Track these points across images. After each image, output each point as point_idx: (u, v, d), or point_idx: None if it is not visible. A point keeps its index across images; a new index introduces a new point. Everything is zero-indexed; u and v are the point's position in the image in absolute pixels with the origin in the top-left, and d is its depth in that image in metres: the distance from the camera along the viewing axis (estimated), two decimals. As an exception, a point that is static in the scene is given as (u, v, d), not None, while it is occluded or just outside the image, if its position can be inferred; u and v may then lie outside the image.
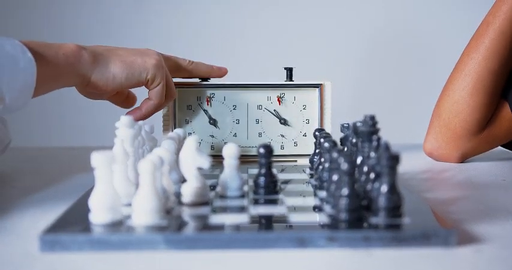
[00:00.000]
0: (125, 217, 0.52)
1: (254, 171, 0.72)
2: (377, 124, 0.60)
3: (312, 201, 0.62)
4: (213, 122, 0.91)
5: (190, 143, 0.59)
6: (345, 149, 0.68)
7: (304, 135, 0.92)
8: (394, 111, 1.70)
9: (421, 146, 0.97)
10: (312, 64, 1.56)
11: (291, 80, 0.92)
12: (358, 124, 0.61)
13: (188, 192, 0.59)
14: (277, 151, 0.90)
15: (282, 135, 0.92)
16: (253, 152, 0.91)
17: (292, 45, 1.70)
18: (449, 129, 0.92)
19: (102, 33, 1.70)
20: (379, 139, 0.58)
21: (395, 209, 0.51)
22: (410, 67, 1.72)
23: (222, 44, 1.70)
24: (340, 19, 1.71)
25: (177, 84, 0.89)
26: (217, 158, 0.78)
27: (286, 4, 1.70)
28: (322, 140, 0.67)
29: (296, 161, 0.91)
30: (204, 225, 0.52)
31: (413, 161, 0.94)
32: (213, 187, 0.67)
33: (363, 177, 0.57)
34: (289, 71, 0.92)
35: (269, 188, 0.63)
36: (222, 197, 0.62)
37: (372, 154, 0.57)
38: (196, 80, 0.92)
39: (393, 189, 0.51)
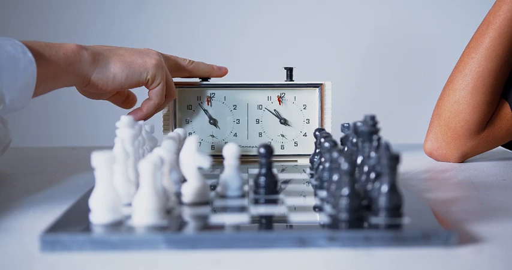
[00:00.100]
0: (125, 217, 0.52)
1: (254, 171, 0.72)
2: (377, 124, 0.60)
3: (312, 201, 0.62)
4: (213, 121, 0.91)
5: (190, 142, 0.59)
6: (345, 148, 0.68)
7: (305, 135, 0.92)
8: (394, 111, 1.70)
9: (422, 145, 0.97)
10: (312, 64, 1.56)
11: (291, 79, 0.92)
12: (359, 124, 0.61)
13: (188, 192, 0.59)
14: (277, 151, 0.90)
15: (282, 135, 0.92)
16: (254, 151, 0.91)
17: (292, 45, 1.70)
18: (449, 129, 0.92)
19: (102, 33, 1.70)
20: (379, 139, 0.58)
21: (395, 209, 0.51)
22: (411, 67, 1.72)
23: (222, 44, 1.70)
24: (340, 19, 1.70)
25: (178, 84, 0.89)
26: (217, 158, 0.79)
27: (286, 4, 1.70)
28: (322, 139, 0.67)
29: (296, 160, 0.91)
30: (205, 225, 0.52)
31: (414, 160, 0.94)
32: (213, 187, 0.67)
33: (363, 177, 0.57)
34: (290, 71, 0.92)
35: (269, 188, 0.63)
36: (222, 196, 0.62)
37: (372, 154, 0.57)
38: (197, 79, 0.92)
39: (393, 189, 0.51)
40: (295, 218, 0.54)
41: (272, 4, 1.71)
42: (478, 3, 1.51)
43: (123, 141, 0.61)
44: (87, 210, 0.53)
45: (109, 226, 0.50)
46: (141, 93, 0.88)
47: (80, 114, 1.70)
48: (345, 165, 0.51)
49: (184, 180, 0.61)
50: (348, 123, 0.73)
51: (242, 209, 0.57)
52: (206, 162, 0.59)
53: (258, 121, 0.92)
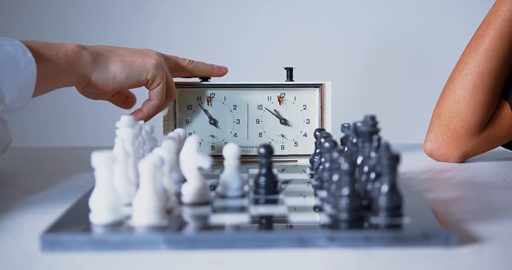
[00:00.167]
0: (125, 217, 0.52)
1: (254, 171, 0.72)
2: (377, 124, 0.60)
3: (312, 201, 0.62)
4: (214, 122, 0.91)
5: (190, 143, 0.59)
6: (346, 149, 0.68)
7: (305, 135, 0.92)
8: (394, 111, 1.70)
9: (422, 146, 0.97)
10: (312, 64, 1.57)
11: (291, 80, 0.92)
12: (359, 124, 0.61)
13: (188, 192, 0.59)
14: (277, 151, 0.90)
15: (283, 135, 0.92)
16: (254, 152, 0.91)
17: (292, 45, 1.70)
18: (449, 129, 0.92)
19: (102, 33, 1.70)
20: (379, 139, 0.58)
21: (395, 209, 0.51)
22: (411, 67, 1.72)
23: (223, 44, 1.70)
24: (340, 19, 1.71)
25: (178, 84, 0.89)
26: (217, 158, 0.79)
27: (286, 4, 1.70)
28: (322, 140, 0.67)
29: (296, 161, 0.91)
30: (205, 225, 0.52)
31: (414, 161, 0.94)
32: (213, 187, 0.67)
33: (364, 177, 0.57)
34: (290, 71, 0.92)
35: (269, 188, 0.63)
36: (223, 197, 0.62)
37: (373, 154, 0.57)
38: (197, 79, 0.92)
39: (394, 189, 0.51)
40: (295, 218, 0.54)
41: (272, 4, 1.71)
42: (478, 3, 1.51)
43: (123, 141, 0.61)
44: (87, 210, 0.53)
45: (109, 226, 0.50)
46: (141, 94, 0.88)
47: (80, 114, 1.70)
48: (345, 166, 0.51)
49: (184, 180, 0.61)
50: (348, 124, 0.73)
51: (242, 209, 0.57)
52: (206, 163, 0.59)
53: (258, 121, 0.92)
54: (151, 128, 0.77)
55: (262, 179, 0.63)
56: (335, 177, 0.55)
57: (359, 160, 0.59)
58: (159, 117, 0.90)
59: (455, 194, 0.72)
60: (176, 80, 0.89)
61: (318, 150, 0.77)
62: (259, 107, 0.92)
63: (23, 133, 1.63)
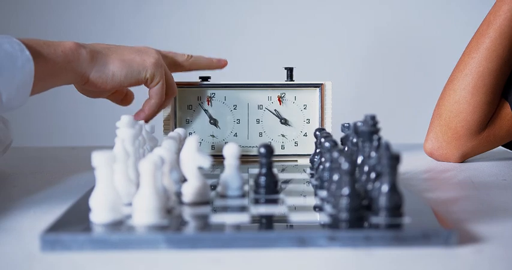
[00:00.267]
0: (125, 217, 0.52)
1: (255, 171, 0.72)
2: (377, 124, 0.60)
3: (312, 200, 0.62)
4: (214, 121, 0.91)
5: (191, 142, 0.59)
6: (346, 148, 0.68)
7: (305, 135, 0.92)
8: (394, 111, 1.70)
9: (422, 145, 0.97)
10: (313, 64, 1.56)
11: (291, 79, 0.92)
12: (359, 124, 0.61)
13: (189, 191, 0.59)
14: (277, 151, 0.90)
15: (283, 135, 0.92)
16: (254, 151, 0.91)
17: (292, 45, 1.69)
18: (449, 129, 0.92)
19: (102, 33, 1.70)
20: (379, 139, 0.58)
21: (395, 208, 0.51)
22: (411, 67, 1.72)
23: (223, 44, 1.70)
24: (340, 19, 1.70)
25: (178, 84, 0.89)
26: (217, 158, 0.79)
27: (286, 4, 1.70)
28: (322, 139, 0.67)
29: (297, 160, 0.91)
30: (205, 225, 0.52)
31: (414, 160, 0.94)
32: (213, 187, 0.67)
33: (364, 177, 0.57)
34: (290, 71, 0.92)
35: (270, 188, 0.63)
36: (223, 196, 0.62)
37: (373, 154, 0.57)
38: (197, 79, 0.92)
39: (394, 189, 0.51)
40: (295, 217, 0.54)
41: (272, 4, 1.71)
42: (478, 3, 1.50)
43: (124, 140, 0.61)
44: (88, 209, 0.53)
45: (109, 226, 0.50)
46: (140, 92, 0.88)
47: (80, 113, 1.70)
48: (345, 165, 0.51)
49: (184, 179, 0.61)
50: (348, 123, 0.73)
51: (242, 209, 0.57)
52: (206, 162, 0.59)
53: (258, 121, 0.92)
54: (152, 128, 0.77)
55: (262, 179, 0.63)
56: (335, 177, 0.55)
57: (359, 160, 0.59)
58: (159, 117, 0.90)
59: (455, 194, 0.72)
60: (176, 79, 0.89)
61: (318, 150, 0.77)
62: (260, 106, 0.92)
63: (23, 133, 1.62)
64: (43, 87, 0.72)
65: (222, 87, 0.91)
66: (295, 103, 0.91)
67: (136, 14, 1.71)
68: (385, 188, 0.51)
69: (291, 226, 0.52)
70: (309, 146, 0.91)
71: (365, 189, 0.55)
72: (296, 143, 0.92)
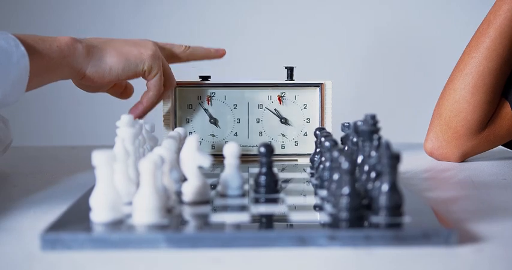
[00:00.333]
0: (125, 216, 0.52)
1: (255, 170, 0.72)
2: (378, 123, 0.60)
3: (312, 200, 0.62)
4: (214, 121, 0.91)
5: (191, 142, 0.59)
6: (346, 148, 0.68)
7: (305, 134, 0.92)
8: (394, 111, 1.70)
9: (422, 145, 0.97)
10: (313, 63, 1.56)
11: (291, 79, 0.92)
12: (359, 123, 0.61)
13: (189, 191, 0.59)
14: (277, 150, 0.90)
15: (283, 135, 0.92)
16: (254, 151, 0.91)
17: (292, 45, 1.69)
18: (450, 128, 0.92)
19: (102, 33, 1.69)
20: (379, 138, 0.58)
21: (396, 208, 0.51)
22: (411, 66, 1.72)
23: (223, 44, 1.69)
24: (340, 18, 1.70)
25: (178, 84, 0.89)
26: (218, 157, 0.79)
27: (286, 4, 1.70)
28: (322, 139, 0.67)
29: (297, 160, 0.91)
30: (205, 224, 0.52)
31: (414, 160, 0.94)
32: (213, 186, 0.67)
33: (364, 176, 0.57)
34: (290, 70, 0.92)
35: (270, 187, 0.63)
36: (223, 195, 0.62)
37: (373, 153, 0.57)
38: (197, 79, 0.92)
39: (394, 188, 0.51)
40: (295, 217, 0.54)
41: (272, 4, 1.71)
42: (478, 3, 1.50)
43: (124, 140, 0.61)
44: (88, 209, 0.53)
45: (109, 225, 0.50)
46: (140, 84, 0.87)
47: (80, 113, 1.70)
48: (345, 165, 0.51)
49: (184, 179, 0.61)
50: (348, 123, 0.73)
51: (242, 208, 0.57)
52: (206, 161, 0.59)
53: (258, 120, 0.92)
54: (152, 127, 0.77)
55: (262, 178, 0.63)
56: (335, 176, 0.55)
57: (359, 159, 0.59)
58: (159, 117, 0.90)
59: (455, 193, 0.72)
60: (177, 79, 0.89)
61: (318, 150, 0.77)
62: (260, 106, 0.92)
63: (23, 132, 1.62)
64: (39, 82, 0.71)
65: (222, 86, 0.91)
66: (295, 102, 0.91)
67: (137, 14, 1.71)
68: (385, 187, 0.51)
69: (291, 225, 0.52)
70: (309, 146, 0.91)
71: (365, 188, 0.55)
72: (296, 143, 0.92)
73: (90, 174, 0.66)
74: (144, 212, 0.50)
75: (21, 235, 0.52)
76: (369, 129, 0.59)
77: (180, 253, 0.47)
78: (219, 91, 0.91)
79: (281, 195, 0.62)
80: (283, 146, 0.92)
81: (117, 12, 1.71)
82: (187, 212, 0.55)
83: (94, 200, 0.51)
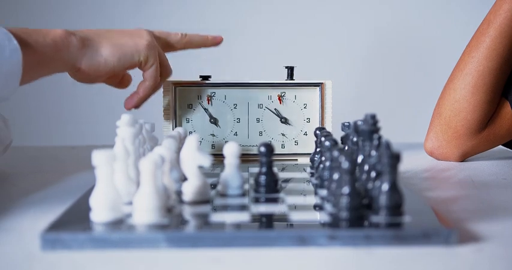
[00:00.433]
0: (125, 215, 0.52)
1: (255, 170, 0.72)
2: (378, 123, 0.60)
3: (312, 199, 0.62)
4: (214, 120, 0.91)
5: (191, 141, 0.59)
6: (346, 147, 0.68)
7: (305, 134, 0.92)
8: (394, 110, 1.70)
9: (422, 144, 0.97)
10: (313, 63, 1.56)
11: (291, 78, 0.92)
12: (359, 123, 0.61)
13: (189, 190, 0.59)
14: (277, 150, 0.90)
15: (283, 134, 0.92)
16: (254, 150, 0.91)
17: (292, 45, 1.69)
18: (450, 128, 0.92)
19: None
20: (380, 138, 0.58)
21: (396, 207, 0.51)
22: (411, 66, 1.72)
23: (223, 44, 1.70)
24: (341, 18, 1.70)
25: (178, 83, 0.90)
26: (218, 157, 0.79)
27: (286, 4, 1.70)
28: (323, 138, 0.67)
29: (297, 159, 0.91)
30: (205, 224, 0.52)
31: (414, 159, 0.94)
32: (213, 186, 0.67)
33: (364, 176, 0.57)
34: (290, 70, 0.92)
35: (270, 187, 0.63)
36: (223, 195, 0.62)
37: (373, 153, 0.57)
38: (197, 78, 0.92)
39: (394, 188, 0.51)
40: (295, 216, 0.54)
41: (272, 4, 1.70)
42: (478, 3, 1.50)
43: (124, 139, 0.61)
44: (88, 208, 0.53)
45: (110, 224, 0.50)
46: (137, 74, 0.87)
47: (80, 113, 1.70)
48: (345, 164, 0.51)
49: (184, 178, 0.61)
50: (348, 122, 0.73)
51: (242, 208, 0.57)
52: (207, 161, 0.59)
53: (258, 120, 0.92)
54: (152, 127, 0.77)
55: (262, 178, 0.63)
56: (335, 176, 0.55)
57: (359, 159, 0.59)
58: (159, 116, 0.90)
59: (455, 193, 0.72)
60: (177, 79, 0.89)
61: (318, 149, 0.77)
62: (260, 105, 0.92)
63: (23, 132, 1.62)
64: (33, 76, 0.71)
65: (222, 86, 0.91)
66: (296, 102, 0.91)
67: (136, 14, 1.71)
68: (385, 187, 0.51)
69: (291, 225, 0.52)
70: (309, 145, 0.91)
71: (365, 188, 0.55)
72: (296, 142, 0.92)
73: (90, 174, 0.66)
74: (144, 211, 0.50)
75: (21, 235, 0.52)
76: (369, 129, 0.59)
77: (180, 253, 0.47)
78: (219, 91, 0.91)
79: (281, 194, 0.62)
80: (283, 146, 0.92)
81: (117, 12, 1.71)
82: (187, 212, 0.55)
83: (94, 200, 0.51)
